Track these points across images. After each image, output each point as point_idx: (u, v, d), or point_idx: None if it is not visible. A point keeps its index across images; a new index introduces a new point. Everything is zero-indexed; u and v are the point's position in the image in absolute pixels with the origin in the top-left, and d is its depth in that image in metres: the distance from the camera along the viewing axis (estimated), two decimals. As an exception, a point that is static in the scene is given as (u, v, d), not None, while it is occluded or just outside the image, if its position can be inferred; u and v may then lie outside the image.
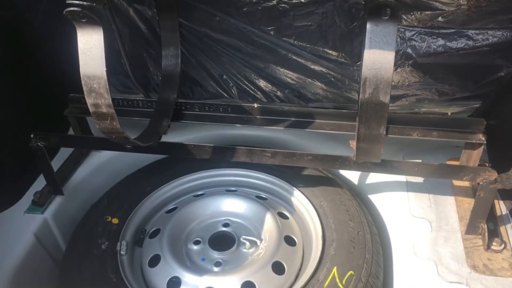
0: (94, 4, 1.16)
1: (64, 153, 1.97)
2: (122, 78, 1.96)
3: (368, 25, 1.10)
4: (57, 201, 1.81)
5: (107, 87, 1.24)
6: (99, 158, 2.01)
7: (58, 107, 1.86)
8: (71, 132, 1.97)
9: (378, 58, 1.12)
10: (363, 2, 1.61)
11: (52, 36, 1.84)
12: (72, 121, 1.86)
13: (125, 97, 1.82)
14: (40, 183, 1.84)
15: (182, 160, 2.00)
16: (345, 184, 1.96)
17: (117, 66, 1.91)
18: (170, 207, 1.92)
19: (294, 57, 1.80)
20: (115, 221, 1.77)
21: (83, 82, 1.24)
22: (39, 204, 1.75)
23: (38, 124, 1.87)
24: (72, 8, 1.13)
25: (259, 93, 1.93)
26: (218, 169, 2.00)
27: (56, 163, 1.89)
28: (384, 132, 1.23)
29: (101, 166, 2.01)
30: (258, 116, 1.74)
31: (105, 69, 1.21)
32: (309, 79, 1.85)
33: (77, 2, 1.14)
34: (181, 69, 1.87)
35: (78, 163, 1.97)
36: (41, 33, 1.85)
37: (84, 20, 1.16)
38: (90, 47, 1.20)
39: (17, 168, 1.84)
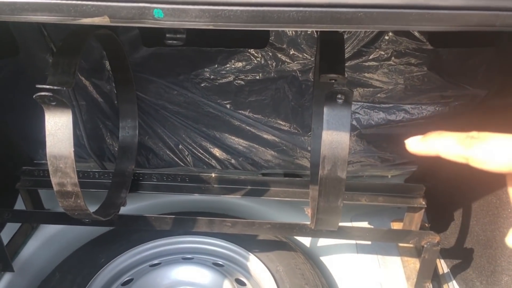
0: (65, 88, 1.19)
1: (12, 226, 1.89)
2: (77, 148, 1.95)
3: (326, 109, 1.21)
4: (6, 278, 1.72)
5: (74, 166, 1.25)
6: (50, 230, 1.95)
7: (7, 181, 1.82)
8: (19, 204, 1.92)
9: (335, 138, 1.23)
10: (312, 80, 1.76)
11: (5, 109, 1.83)
12: (24, 194, 1.82)
13: (81, 169, 1.81)
14: (-14, 259, 1.75)
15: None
16: (299, 247, 2.03)
17: (73, 137, 1.91)
18: (126, 278, 1.87)
19: (248, 127, 1.90)
20: (68, 297, 1.71)
21: (49, 162, 1.24)
22: (-14, 283, 1.66)
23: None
24: (43, 93, 1.15)
25: (213, 161, 2.00)
26: (173, 237, 2.00)
27: (4, 237, 1.81)
28: (342, 204, 1.33)
29: (51, 239, 1.94)
30: (215, 185, 1.79)
31: (72, 149, 1.23)
32: (262, 148, 1.95)
33: (48, 87, 1.16)
34: (138, 139, 1.90)
35: (27, 237, 1.90)
36: (-8, 106, 1.83)
37: (53, 103, 1.19)
38: (59, 128, 1.22)
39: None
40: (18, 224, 1.88)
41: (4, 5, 0.80)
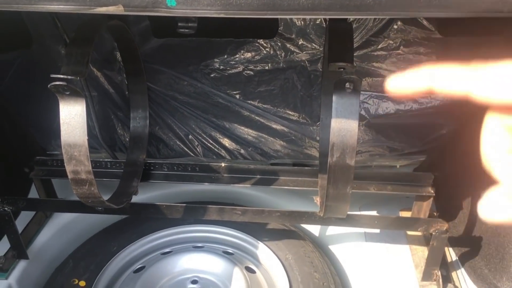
0: (78, 78, 1.22)
1: (26, 215, 1.93)
2: (88, 139, 1.98)
3: (334, 97, 1.22)
4: (21, 265, 1.77)
5: (88, 154, 1.28)
6: (63, 219, 1.99)
7: (20, 170, 1.86)
8: (32, 192, 1.96)
9: (344, 126, 1.24)
10: (321, 69, 1.77)
11: (19, 100, 1.86)
12: (37, 183, 1.85)
13: (93, 159, 1.84)
14: (2, 247, 1.79)
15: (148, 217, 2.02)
16: (307, 236, 2.05)
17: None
18: (138, 266, 1.91)
19: (257, 117, 1.92)
20: (82, 283, 1.75)
21: (63, 150, 1.27)
22: (3, 269, 1.70)
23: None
24: (57, 83, 1.18)
25: (223, 151, 2.02)
26: (184, 226, 2.03)
27: (19, 226, 1.85)
28: (350, 191, 1.35)
29: (65, 227, 1.98)
30: (225, 175, 1.81)
31: (86, 138, 1.26)
32: (271, 138, 1.97)
33: (62, 76, 1.19)
34: (148, 129, 1.93)
35: (42, 225, 1.94)
36: (7, 98, 1.86)
37: (67, 93, 1.22)
38: (73, 117, 1.25)
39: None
40: (33, 213, 1.92)
41: (21, -6, 0.83)
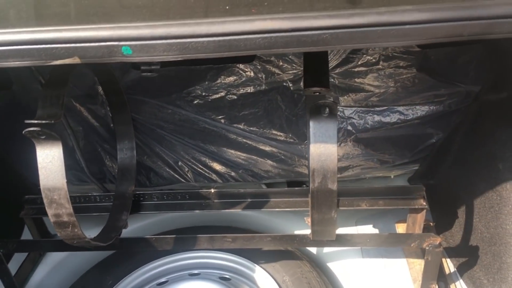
0: (53, 121, 1.21)
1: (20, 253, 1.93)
2: (77, 172, 1.99)
3: (311, 123, 1.21)
4: (17, 307, 1.76)
5: (68, 197, 1.27)
6: (57, 256, 1.97)
7: (13, 209, 1.85)
8: (26, 232, 1.95)
9: (323, 151, 1.23)
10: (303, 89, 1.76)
11: (5, 139, 1.86)
12: (28, 222, 1.85)
13: (82, 194, 1.84)
14: (-3, 288, 1.79)
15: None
16: (304, 255, 2.02)
17: (71, 162, 1.94)
18: (134, 298, 1.90)
19: (244, 140, 1.91)
20: (78, 321, 1.74)
21: (43, 195, 1.27)
22: (-3, 313, 1.70)
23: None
24: (31, 129, 1.17)
25: (214, 175, 2.01)
26: (179, 254, 2.01)
27: (13, 266, 1.84)
28: (336, 215, 1.33)
29: (59, 264, 1.97)
30: (215, 200, 1.80)
31: (65, 180, 1.25)
32: (260, 159, 1.96)
33: (36, 122, 1.19)
34: (136, 159, 1.92)
35: (36, 264, 1.93)
36: (-6, 139, 1.86)
37: (43, 137, 1.21)
38: (50, 161, 1.24)
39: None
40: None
41: (-22, 54, 0.82)
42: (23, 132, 1.18)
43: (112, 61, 0.83)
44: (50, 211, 1.29)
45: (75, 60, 0.82)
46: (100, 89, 1.79)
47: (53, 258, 1.98)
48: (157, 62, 1.16)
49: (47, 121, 1.20)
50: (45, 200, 1.27)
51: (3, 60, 0.83)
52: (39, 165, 1.25)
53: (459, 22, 0.80)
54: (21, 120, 1.20)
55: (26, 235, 1.96)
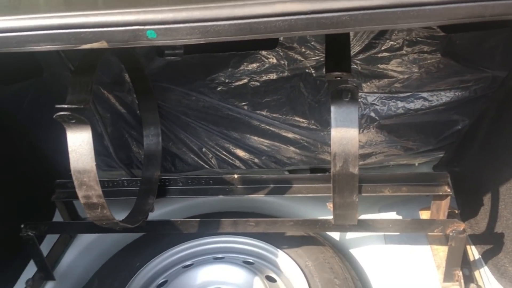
0: (82, 106, 1.26)
1: (52, 235, 2.00)
2: (105, 158, 2.05)
3: (332, 107, 1.22)
4: (49, 286, 1.83)
5: (97, 179, 1.32)
6: (87, 239, 2.05)
7: (45, 193, 1.92)
8: (57, 215, 2.02)
9: (344, 135, 1.24)
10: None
11: (36, 126, 1.93)
12: (59, 206, 1.91)
13: (110, 178, 1.89)
14: (30, 269, 1.86)
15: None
16: (327, 241, 2.04)
17: (100, 148, 2.00)
18: (161, 280, 1.95)
19: (267, 126, 1.93)
20: (107, 301, 1.80)
21: (74, 177, 1.32)
22: (31, 292, 1.77)
23: (25, 211, 1.92)
24: (61, 113, 1.22)
25: (237, 161, 2.04)
26: (204, 238, 2.05)
27: (45, 247, 1.92)
28: (357, 199, 1.34)
29: (89, 246, 2.04)
30: (239, 186, 1.82)
31: (94, 163, 1.30)
32: (283, 146, 1.98)
33: (66, 106, 1.23)
34: (162, 145, 1.97)
35: (66, 246, 2.00)
36: (25, 124, 1.93)
37: (73, 121, 1.26)
38: (80, 144, 1.29)
39: (7, 256, 1.87)
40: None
41: (10, 38, 0.87)
42: (54, 116, 1.23)
43: (137, 45, 0.86)
44: (80, 193, 1.34)
45: (102, 44, 0.86)
46: (126, 76, 1.84)
47: (83, 241, 2.05)
48: (181, 46, 1.18)
49: (76, 106, 1.25)
50: (75, 183, 1.32)
51: (35, 44, 0.87)
52: (70, 149, 1.30)
53: (480, 2, 0.80)
54: (52, 107, 1.25)
55: (57, 219, 2.04)
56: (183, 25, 0.83)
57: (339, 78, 1.22)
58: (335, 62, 1.26)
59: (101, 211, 1.38)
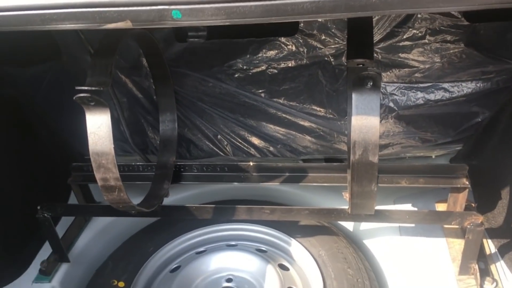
0: (102, 88, 1.25)
1: (67, 219, 2.02)
2: (121, 143, 2.05)
3: (353, 95, 1.20)
4: (64, 268, 1.85)
5: (115, 162, 1.32)
6: (102, 222, 2.06)
7: (60, 175, 1.93)
8: (72, 198, 2.04)
9: (364, 123, 1.22)
10: (345, 64, 1.75)
11: (54, 109, 1.94)
12: (75, 189, 1.93)
13: (126, 163, 1.90)
14: (45, 250, 1.88)
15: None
16: (341, 231, 2.03)
17: (116, 133, 2.00)
18: (174, 265, 1.96)
19: (284, 115, 1.92)
20: (121, 284, 1.81)
21: (92, 159, 1.32)
22: (46, 273, 1.79)
23: (41, 193, 1.93)
24: (81, 95, 1.22)
25: (252, 149, 2.03)
26: (218, 225, 2.06)
27: (60, 230, 1.94)
28: (376, 188, 1.32)
29: (103, 230, 2.05)
30: (254, 174, 1.82)
31: (112, 146, 1.30)
32: (299, 134, 1.96)
33: (86, 88, 1.23)
34: (178, 131, 1.97)
35: (81, 229, 2.02)
36: (43, 107, 1.94)
37: (92, 104, 1.26)
38: (99, 127, 1.29)
39: (22, 237, 1.89)
40: (73, 217, 2.01)
41: (35, 16, 0.86)
42: (74, 98, 1.23)
43: (162, 26, 0.85)
44: (98, 175, 1.34)
45: (127, 23, 0.85)
46: (144, 61, 1.83)
47: (97, 224, 2.06)
48: (204, 29, 1.17)
49: (96, 88, 1.24)
50: (93, 165, 1.33)
51: (60, 23, 0.86)
52: (88, 131, 1.30)
53: (515, -14, 0.77)
54: (70, 90, 1.25)
55: (72, 202, 2.05)
56: (208, 6, 0.82)
57: (361, 65, 1.20)
58: (357, 49, 1.24)
59: (118, 194, 1.38)
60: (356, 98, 1.21)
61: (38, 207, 1.73)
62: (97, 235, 2.04)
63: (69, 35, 1.72)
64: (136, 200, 1.66)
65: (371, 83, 1.19)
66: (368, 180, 1.29)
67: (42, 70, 1.87)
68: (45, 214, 1.73)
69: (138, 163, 1.90)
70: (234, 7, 0.82)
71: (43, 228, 1.76)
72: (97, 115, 1.29)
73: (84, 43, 1.71)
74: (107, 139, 1.29)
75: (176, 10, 0.83)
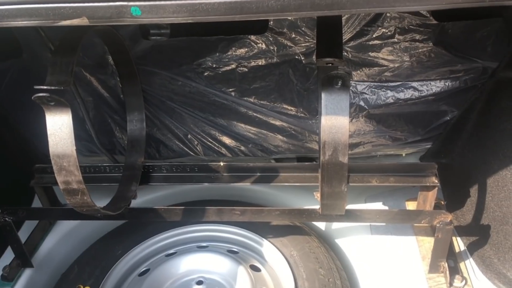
0: (62, 88, 1.20)
1: (30, 221, 1.95)
2: (87, 143, 1.99)
3: (323, 94, 1.19)
4: (27, 273, 1.78)
5: (77, 164, 1.27)
6: (67, 225, 2.00)
7: (23, 178, 1.86)
8: (36, 200, 1.97)
9: (334, 123, 1.21)
10: (315, 62, 1.73)
11: (16, 108, 1.87)
12: (39, 191, 1.85)
13: (91, 164, 1.84)
14: (7, 256, 1.81)
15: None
16: (313, 231, 2.02)
17: (82, 133, 1.95)
18: (143, 269, 1.91)
19: (255, 114, 1.90)
20: (87, 289, 1.76)
21: (53, 162, 1.27)
22: (8, 278, 1.72)
23: (3, 195, 1.86)
24: (40, 94, 1.17)
25: (223, 149, 2.00)
26: (188, 226, 2.02)
27: (23, 234, 1.87)
28: (346, 189, 1.31)
29: (69, 233, 1.99)
30: (224, 174, 1.79)
31: (74, 147, 1.25)
32: (270, 133, 1.94)
33: (45, 87, 1.18)
34: (146, 131, 1.92)
35: (46, 232, 1.95)
36: (4, 106, 1.87)
37: (52, 104, 1.20)
38: (59, 128, 1.24)
39: (-17, 242, 1.82)
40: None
41: (-15, 13, 0.81)
42: (32, 97, 1.18)
43: (120, 23, 0.81)
44: (59, 178, 1.29)
45: (83, 20, 0.80)
46: (110, 59, 1.78)
47: (63, 228, 2.00)
48: (167, 26, 1.13)
49: (56, 87, 1.19)
50: (54, 167, 1.27)
51: (11, 20, 0.81)
52: (48, 132, 1.24)
53: (481, -14, 0.77)
54: (31, 89, 1.20)
55: (36, 204, 1.98)
56: (169, 2, 0.79)
57: (330, 65, 1.18)
58: (326, 48, 1.22)
59: (81, 197, 1.33)
60: (325, 98, 1.19)
61: (-1, 211, 1.66)
62: (62, 239, 1.97)
63: (30, 32, 1.66)
64: (103, 202, 1.61)
65: (340, 83, 1.18)
66: (338, 180, 1.28)
67: (2, 68, 1.80)
68: (6, 218, 1.66)
69: (104, 164, 1.85)
70: (197, 4, 0.79)
71: (5, 232, 1.69)
72: (58, 116, 1.23)
73: (45, 40, 1.64)
74: (69, 140, 1.24)
75: (135, 6, 0.79)
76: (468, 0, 0.77)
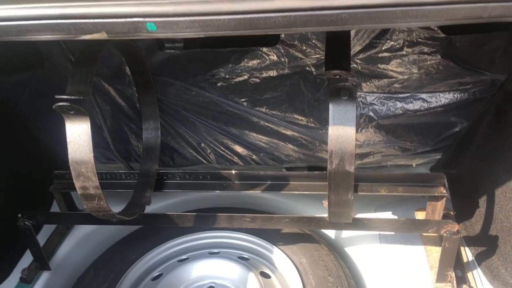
0: (81, 97, 1.26)
1: (49, 226, 2.01)
2: (104, 151, 2.06)
3: (331, 105, 1.23)
4: (45, 276, 1.84)
5: (95, 170, 1.32)
6: (84, 230, 2.06)
7: (43, 183, 1.93)
8: (55, 206, 2.03)
9: (341, 133, 1.25)
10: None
11: (36, 116, 1.94)
12: (57, 196, 1.92)
13: (108, 171, 1.90)
14: (26, 259, 1.87)
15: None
16: (322, 239, 2.05)
17: (99, 140, 2.01)
18: (156, 274, 1.96)
19: (266, 123, 1.94)
20: (102, 292, 1.81)
21: (71, 168, 1.32)
22: (27, 281, 1.78)
23: (23, 200, 1.93)
24: (61, 104, 1.23)
25: (235, 157, 2.04)
26: (200, 233, 2.06)
27: (41, 238, 1.93)
28: (352, 197, 1.35)
29: (85, 238, 2.05)
30: (236, 182, 1.83)
31: (92, 154, 1.30)
32: (281, 143, 1.98)
33: (65, 97, 1.24)
34: (161, 139, 1.97)
35: (63, 236, 2.01)
36: (26, 114, 1.94)
37: (72, 112, 1.26)
38: (78, 135, 1.30)
39: (3, 245, 1.88)
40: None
41: (11, 27, 0.87)
42: (53, 106, 1.24)
43: (137, 37, 0.87)
44: (77, 184, 1.35)
45: (102, 35, 0.86)
46: (127, 69, 1.84)
47: (79, 232, 2.06)
48: (180, 40, 1.19)
49: (76, 97, 1.25)
50: (73, 173, 1.33)
51: (35, 34, 0.87)
52: (68, 139, 1.30)
53: (479, 3, 0.80)
54: (52, 98, 1.26)
55: (55, 210, 2.04)
56: (183, 19, 0.84)
57: (338, 76, 1.23)
58: (334, 60, 1.26)
59: (98, 202, 1.39)
60: (333, 109, 1.23)
61: (19, 215, 1.72)
62: (79, 243, 2.03)
63: (52, 44, 1.73)
64: (118, 208, 1.66)
65: (348, 94, 1.22)
66: (345, 189, 1.32)
67: (25, 77, 1.87)
68: (26, 222, 1.73)
69: (120, 171, 1.90)
70: (208, 20, 0.84)
71: (24, 236, 1.75)
72: (77, 124, 1.29)
73: (66, 52, 1.72)
74: (87, 147, 1.30)
75: (151, 22, 0.84)
76: (467, 16, 0.81)
